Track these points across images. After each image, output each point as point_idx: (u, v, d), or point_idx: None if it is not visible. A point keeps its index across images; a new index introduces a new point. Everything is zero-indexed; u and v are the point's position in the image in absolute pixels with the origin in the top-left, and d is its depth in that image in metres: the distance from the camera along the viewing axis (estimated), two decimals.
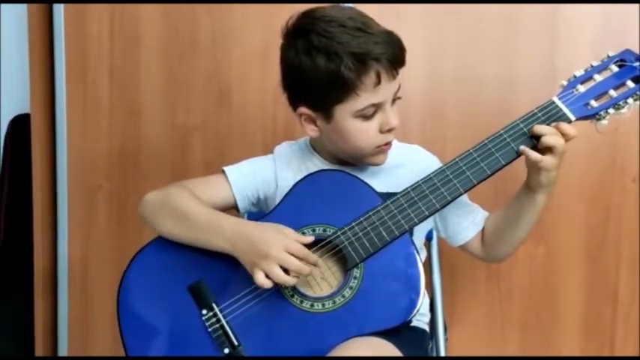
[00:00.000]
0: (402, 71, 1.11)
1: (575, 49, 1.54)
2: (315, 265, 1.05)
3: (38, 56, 1.70)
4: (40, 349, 1.76)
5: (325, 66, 1.05)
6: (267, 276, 1.01)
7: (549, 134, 1.03)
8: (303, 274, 1.03)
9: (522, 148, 1.05)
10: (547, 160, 1.03)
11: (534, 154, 1.04)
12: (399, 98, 1.12)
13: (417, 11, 1.58)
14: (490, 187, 1.15)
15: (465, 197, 1.18)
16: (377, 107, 1.09)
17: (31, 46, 1.69)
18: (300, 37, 1.08)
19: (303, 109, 1.13)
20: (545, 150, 1.04)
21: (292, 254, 1.01)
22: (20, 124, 1.78)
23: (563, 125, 1.04)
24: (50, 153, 1.75)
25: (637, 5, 1.51)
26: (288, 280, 1.01)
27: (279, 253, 1.01)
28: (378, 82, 1.06)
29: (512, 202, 1.15)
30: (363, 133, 1.10)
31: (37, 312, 1.75)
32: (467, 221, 1.21)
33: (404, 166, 1.20)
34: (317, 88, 1.08)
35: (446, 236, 1.25)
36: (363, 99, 1.07)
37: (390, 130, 1.11)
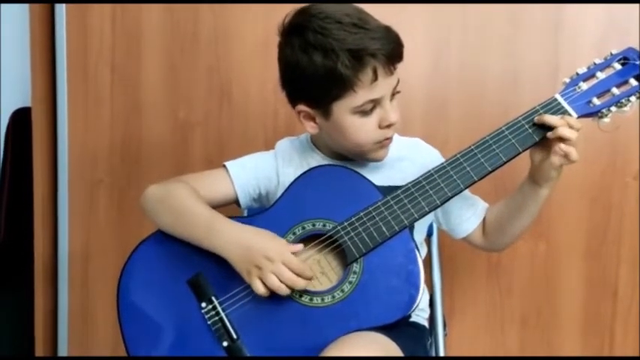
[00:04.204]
0: (405, 67, 1.11)
1: (579, 47, 1.54)
2: (309, 279, 1.05)
3: (39, 49, 1.70)
4: (40, 343, 1.77)
5: (322, 63, 1.05)
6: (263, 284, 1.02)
7: (562, 126, 1.02)
8: (298, 288, 1.03)
9: (561, 147, 1.02)
10: (574, 153, 1.02)
11: (575, 153, 1.02)
12: (398, 92, 1.12)
13: (420, 8, 1.58)
14: (489, 183, 1.14)
15: (466, 190, 1.18)
16: (375, 103, 1.08)
17: (32, 39, 1.69)
18: (297, 35, 1.08)
19: (301, 107, 1.13)
20: (556, 141, 1.03)
21: (288, 267, 1.02)
22: (21, 118, 1.79)
23: (570, 119, 1.04)
24: (51, 147, 1.75)
25: (638, 5, 1.50)
26: (284, 288, 1.02)
27: (275, 265, 1.02)
28: (375, 78, 1.05)
29: (515, 195, 1.16)
30: (361, 129, 1.10)
31: (38, 305, 1.75)
32: (468, 213, 1.21)
33: (405, 159, 1.20)
34: (314, 86, 1.08)
35: (448, 229, 1.25)
36: (361, 95, 1.06)
37: (389, 126, 1.11)
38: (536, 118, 1.05)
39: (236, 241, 1.05)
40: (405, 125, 1.43)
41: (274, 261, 1.02)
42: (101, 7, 1.69)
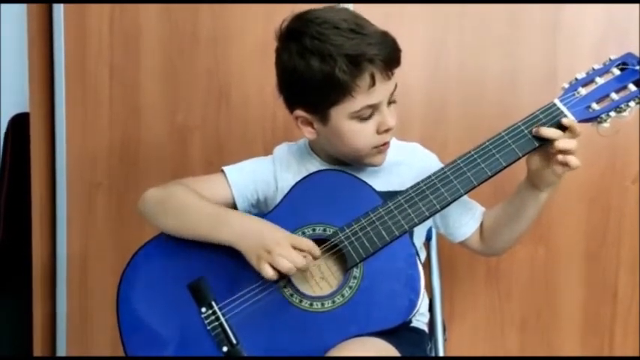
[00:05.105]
0: (404, 69, 1.11)
1: (578, 47, 1.54)
2: (318, 257, 1.05)
3: (38, 54, 1.69)
4: (38, 346, 1.76)
5: (319, 68, 1.05)
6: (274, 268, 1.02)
7: (561, 138, 1.03)
8: (304, 268, 1.03)
9: (560, 157, 1.02)
10: (574, 161, 1.02)
11: (574, 160, 1.02)
12: (395, 101, 1.12)
13: (420, 10, 1.58)
14: (489, 187, 1.15)
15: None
16: (373, 108, 1.08)
17: (30, 44, 1.69)
18: (294, 40, 1.08)
19: (299, 112, 1.13)
20: (558, 153, 1.03)
21: (297, 247, 1.02)
22: (20, 123, 1.78)
23: (571, 122, 1.04)
24: (49, 149, 1.74)
25: (638, 5, 1.50)
26: (292, 268, 1.01)
27: (285, 247, 1.02)
28: (373, 83, 1.05)
29: (513, 199, 1.15)
30: (359, 135, 1.10)
31: (36, 309, 1.75)
32: (467, 217, 1.21)
33: (403, 164, 1.20)
34: (312, 91, 1.08)
35: (445, 233, 1.25)
36: (359, 100, 1.06)
37: (387, 131, 1.11)
38: (534, 131, 1.05)
39: (245, 229, 1.06)
40: (404, 127, 1.44)
41: (282, 244, 1.02)
42: (99, 8, 1.69)
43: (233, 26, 1.65)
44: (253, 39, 1.64)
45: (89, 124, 1.72)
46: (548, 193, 1.10)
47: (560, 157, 1.03)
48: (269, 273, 1.01)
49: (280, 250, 1.01)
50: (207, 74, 1.67)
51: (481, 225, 1.22)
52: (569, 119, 1.04)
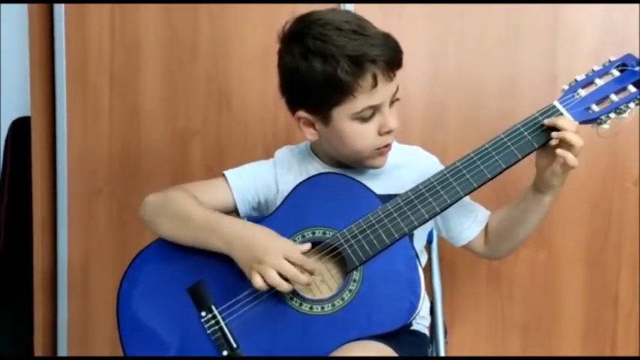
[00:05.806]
0: (404, 73, 1.11)
1: (577, 50, 1.54)
2: (312, 273, 1.04)
3: (39, 58, 1.70)
4: (39, 353, 1.76)
5: (322, 69, 1.05)
6: (264, 280, 1.01)
7: (571, 131, 1.01)
8: (300, 283, 1.02)
9: (559, 151, 1.01)
10: (572, 158, 1.01)
11: (573, 158, 1.01)
12: (398, 100, 1.12)
13: (419, 13, 1.58)
14: (490, 189, 1.14)
15: (466, 197, 1.18)
16: (375, 109, 1.09)
17: (31, 49, 1.70)
18: (297, 42, 1.09)
19: (301, 113, 1.13)
20: (557, 146, 1.02)
21: (290, 261, 1.01)
22: (21, 127, 1.79)
23: (554, 121, 1.03)
24: (50, 156, 1.75)
25: (637, 5, 1.50)
26: (284, 284, 1.01)
27: (276, 258, 1.01)
28: (375, 84, 1.06)
29: (518, 203, 1.15)
30: (361, 136, 1.10)
31: (37, 315, 1.75)
32: (469, 220, 1.21)
33: (404, 167, 1.20)
34: (314, 92, 1.08)
35: (448, 236, 1.24)
36: (361, 101, 1.07)
37: (388, 132, 1.11)
38: (546, 121, 1.04)
39: (240, 237, 1.05)
40: (404, 131, 1.43)
41: (275, 255, 1.01)
42: (100, 14, 1.69)
43: (232, 30, 1.65)
44: (253, 42, 1.64)
45: (90, 130, 1.73)
46: (550, 197, 1.10)
47: (559, 150, 1.01)
48: (258, 283, 1.01)
49: (272, 261, 1.01)
50: (207, 79, 1.68)
51: (486, 228, 1.21)
52: (549, 119, 1.04)
